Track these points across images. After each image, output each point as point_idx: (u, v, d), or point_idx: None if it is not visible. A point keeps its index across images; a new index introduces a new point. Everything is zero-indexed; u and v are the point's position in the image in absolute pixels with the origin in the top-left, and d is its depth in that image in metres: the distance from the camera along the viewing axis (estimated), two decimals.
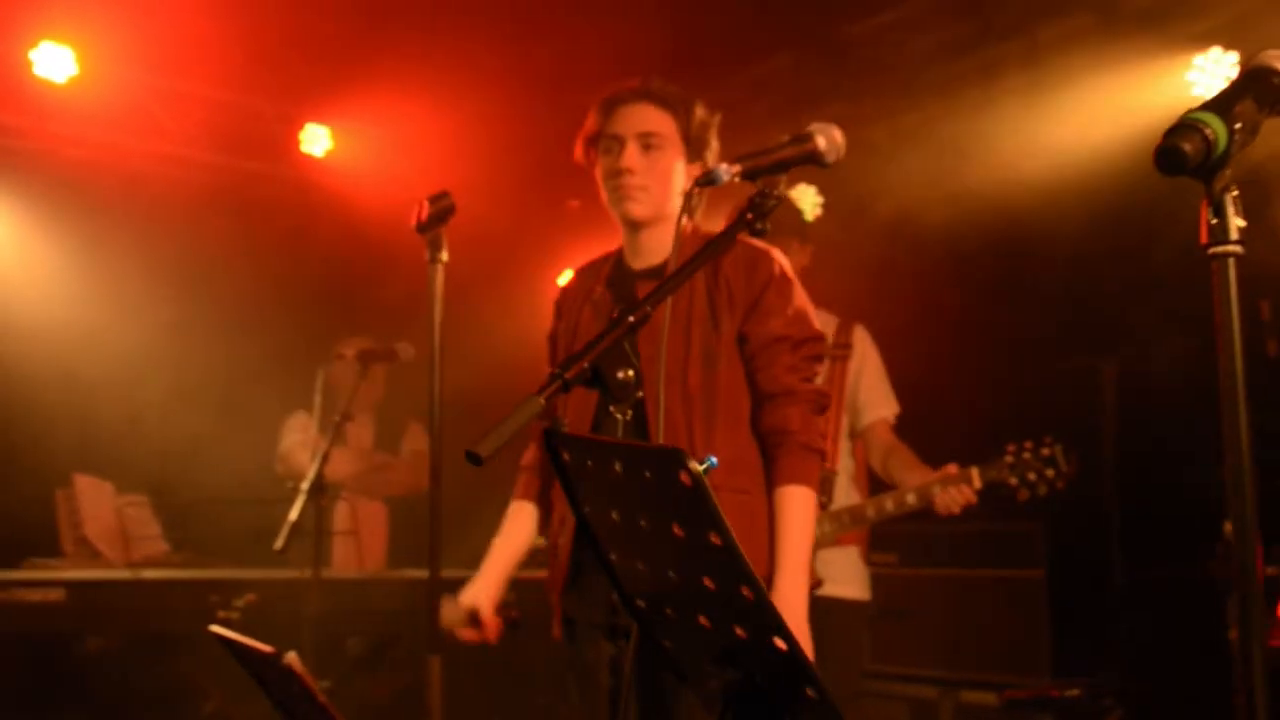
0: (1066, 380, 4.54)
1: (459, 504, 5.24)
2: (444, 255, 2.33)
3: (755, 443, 2.31)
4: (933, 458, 3.38)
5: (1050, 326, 4.60)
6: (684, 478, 1.12)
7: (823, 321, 2.50)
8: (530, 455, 2.69)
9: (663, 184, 2.41)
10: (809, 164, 1.82)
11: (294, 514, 3.36)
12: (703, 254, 1.65)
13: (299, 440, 4.61)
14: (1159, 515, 4.38)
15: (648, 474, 1.18)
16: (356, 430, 4.58)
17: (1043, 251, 4.59)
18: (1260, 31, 4.26)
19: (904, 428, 3.62)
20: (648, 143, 2.41)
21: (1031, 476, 3.09)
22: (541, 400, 1.41)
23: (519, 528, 2.59)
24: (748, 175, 1.74)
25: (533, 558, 2.62)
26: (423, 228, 2.31)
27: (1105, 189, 4.48)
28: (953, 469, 3.23)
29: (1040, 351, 4.58)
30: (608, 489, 1.29)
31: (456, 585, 2.54)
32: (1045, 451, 3.08)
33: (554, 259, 6.63)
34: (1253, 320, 4.72)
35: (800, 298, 2.38)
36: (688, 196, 1.90)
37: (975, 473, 3.16)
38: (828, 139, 1.81)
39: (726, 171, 1.72)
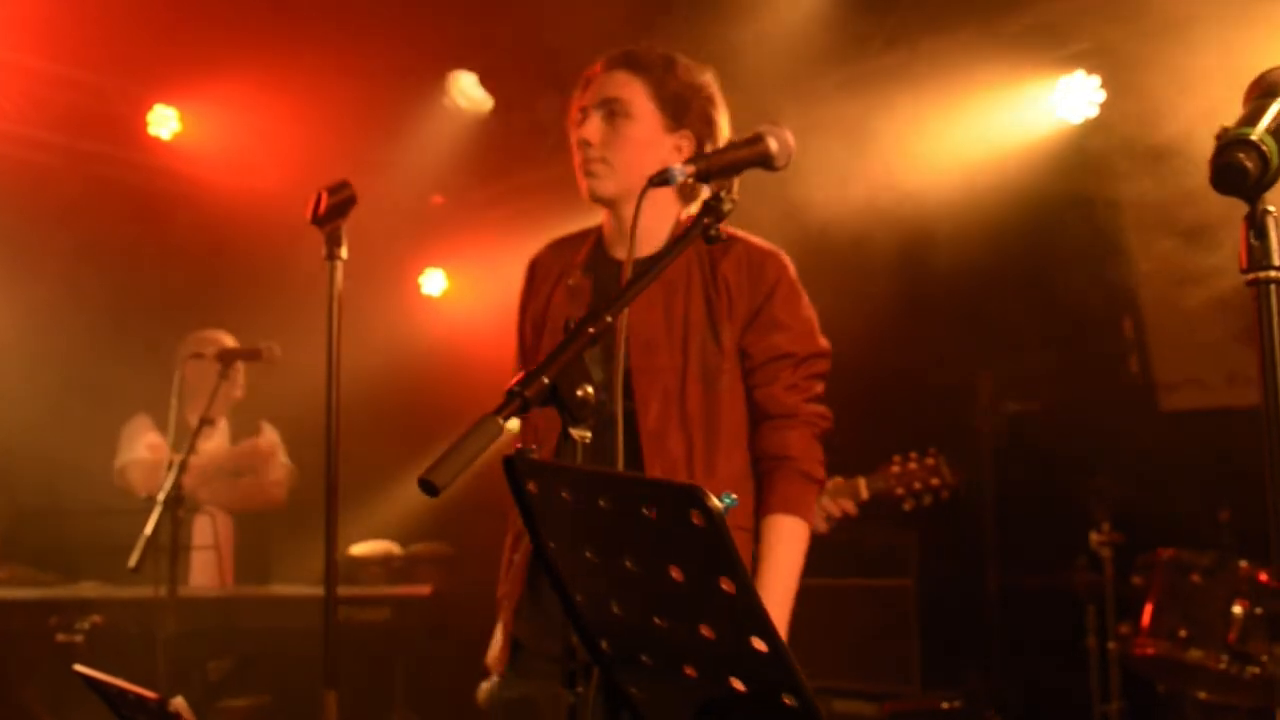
0: (944, 392, 4.59)
1: (304, 513, 4.99)
2: (343, 252, 2.12)
3: (752, 468, 2.13)
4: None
5: (927, 338, 4.64)
6: (697, 518, 0.98)
7: None
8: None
9: (628, 156, 2.14)
10: (759, 167, 1.71)
11: (149, 528, 3.07)
12: (658, 262, 1.51)
13: (139, 457, 4.23)
14: (1032, 526, 4.47)
15: (648, 511, 1.05)
16: (212, 436, 4.25)
17: (919, 263, 4.63)
18: (1118, 56, 4.40)
19: None
20: (611, 109, 2.15)
21: (917, 486, 3.08)
22: (500, 421, 1.26)
23: None
24: (700, 177, 1.63)
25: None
26: (320, 220, 2.10)
27: (978, 202, 4.56)
28: (837, 481, 3.20)
29: (919, 363, 4.62)
30: (585, 525, 1.15)
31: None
32: (930, 461, 3.08)
33: (416, 257, 6.39)
34: (1117, 337, 4.88)
35: (807, 308, 2.18)
36: (650, 181, 1.66)
37: (862, 483, 3.12)
38: (779, 142, 1.71)
39: (680, 172, 1.60)
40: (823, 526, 3.11)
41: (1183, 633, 3.68)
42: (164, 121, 5.24)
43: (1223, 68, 4.01)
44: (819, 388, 2.18)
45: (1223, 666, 3.61)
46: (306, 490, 4.68)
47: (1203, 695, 3.77)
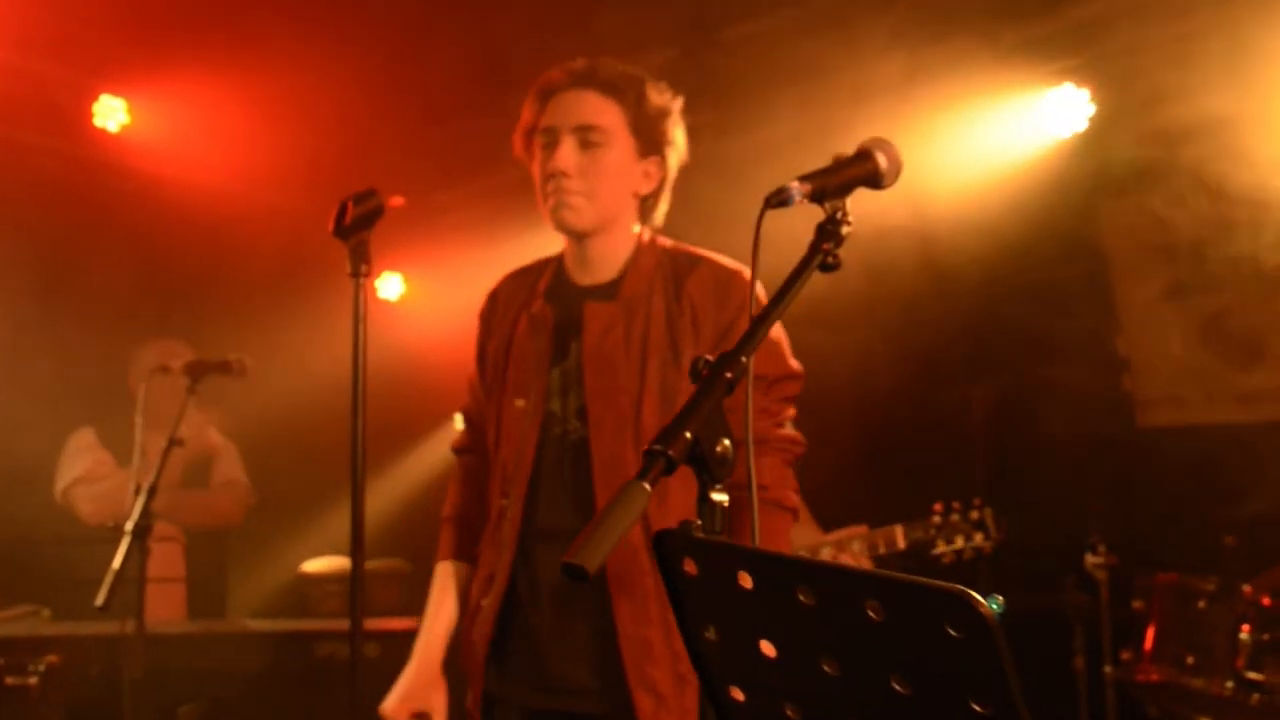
0: (939, 408, 4.48)
1: (256, 534, 4.72)
2: (366, 268, 1.91)
3: None
4: (812, 494, 3.19)
5: (923, 354, 4.53)
6: (955, 627, 0.81)
7: None
8: (452, 505, 2.28)
9: (607, 188, 2.08)
10: (866, 185, 1.54)
11: (117, 561, 2.79)
12: (779, 301, 1.33)
13: (85, 479, 3.91)
14: (1025, 545, 4.38)
15: (873, 613, 0.87)
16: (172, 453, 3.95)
17: (913, 279, 4.52)
18: (1111, 69, 4.34)
19: None
20: (587, 139, 2.06)
21: (959, 541, 2.94)
22: (647, 488, 1.07)
23: (450, 596, 2.19)
24: (815, 197, 1.45)
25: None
26: (344, 232, 1.89)
27: (970, 219, 4.46)
28: (862, 529, 3.05)
29: (914, 379, 4.50)
30: (769, 617, 0.97)
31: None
32: (974, 515, 2.94)
33: (374, 261, 6.13)
34: (1109, 354, 4.81)
35: (777, 328, 2.09)
36: (768, 202, 1.45)
37: (899, 532, 2.99)
38: (889, 158, 1.54)
39: (798, 191, 1.42)
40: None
41: (1190, 660, 3.62)
42: (111, 113, 4.92)
43: (1215, 87, 3.98)
44: (790, 411, 2.09)
45: (1228, 693, 3.56)
46: (258, 510, 4.43)
47: None
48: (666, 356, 2.02)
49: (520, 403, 2.09)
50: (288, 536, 5.24)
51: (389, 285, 6.16)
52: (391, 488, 5.87)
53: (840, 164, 1.50)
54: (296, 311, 4.93)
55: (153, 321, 4.51)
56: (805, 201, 1.44)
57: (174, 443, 3.08)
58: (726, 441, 1.16)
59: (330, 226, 1.89)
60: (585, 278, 2.15)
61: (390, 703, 2.10)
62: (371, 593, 5.46)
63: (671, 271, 2.09)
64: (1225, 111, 4.08)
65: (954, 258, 4.60)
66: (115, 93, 4.93)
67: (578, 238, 2.13)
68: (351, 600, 2.01)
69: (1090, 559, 4.06)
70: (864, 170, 1.52)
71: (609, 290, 2.11)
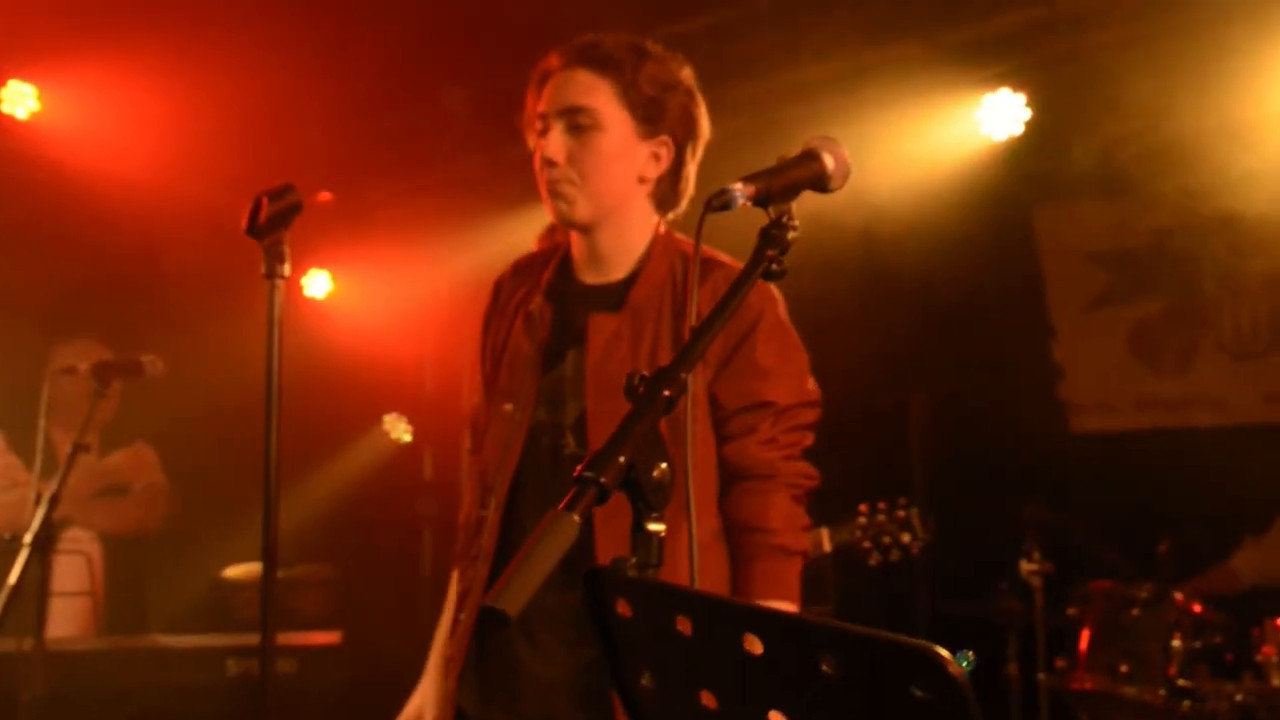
0: (874, 413, 4.45)
1: (176, 542, 4.55)
2: (286, 269, 1.78)
3: (723, 534, 1.84)
4: None
5: (858, 358, 4.49)
6: (921, 687, 0.72)
7: None
8: (463, 508, 2.07)
9: (601, 174, 1.87)
10: (814, 189, 1.46)
11: (14, 575, 2.62)
12: (720, 312, 1.24)
13: None
14: (961, 550, 4.37)
15: (829, 667, 0.78)
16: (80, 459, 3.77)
17: (849, 281, 4.48)
18: (1047, 74, 4.34)
19: None
20: (575, 122, 1.86)
21: (886, 540, 2.88)
22: (577, 520, 0.97)
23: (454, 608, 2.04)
24: (760, 200, 1.36)
25: None
26: (258, 231, 1.76)
27: (907, 221, 4.44)
28: None
29: (848, 383, 4.45)
30: (709, 666, 0.88)
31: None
32: (901, 515, 2.88)
33: (299, 257, 5.95)
34: (1044, 360, 4.82)
35: (796, 348, 1.92)
36: (708, 205, 1.35)
37: (825, 535, 2.92)
38: (835, 159, 1.46)
39: (741, 193, 1.33)
40: None
41: (1123, 667, 3.62)
42: (20, 99, 4.71)
43: (1147, 94, 4.00)
44: (807, 441, 1.90)
45: (1160, 701, 3.56)
46: (178, 515, 4.26)
47: None
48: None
49: (509, 407, 1.94)
50: (211, 542, 5.07)
51: (316, 283, 5.99)
52: (318, 490, 5.71)
53: (785, 165, 1.41)
54: (218, 309, 4.75)
55: (69, 320, 4.31)
56: (749, 205, 1.35)
57: (78, 448, 2.92)
58: (664, 466, 1.07)
59: (244, 225, 1.76)
60: (592, 275, 1.96)
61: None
62: (294, 600, 5.32)
63: (683, 277, 1.90)
64: (1159, 118, 4.10)
65: (890, 260, 4.58)
66: (24, 78, 4.72)
67: (581, 230, 1.94)
68: (263, 619, 1.87)
69: (1025, 565, 4.05)
70: (810, 172, 1.43)
71: (616, 293, 1.92)
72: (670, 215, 1.99)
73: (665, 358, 1.83)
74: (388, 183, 5.73)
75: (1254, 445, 4.07)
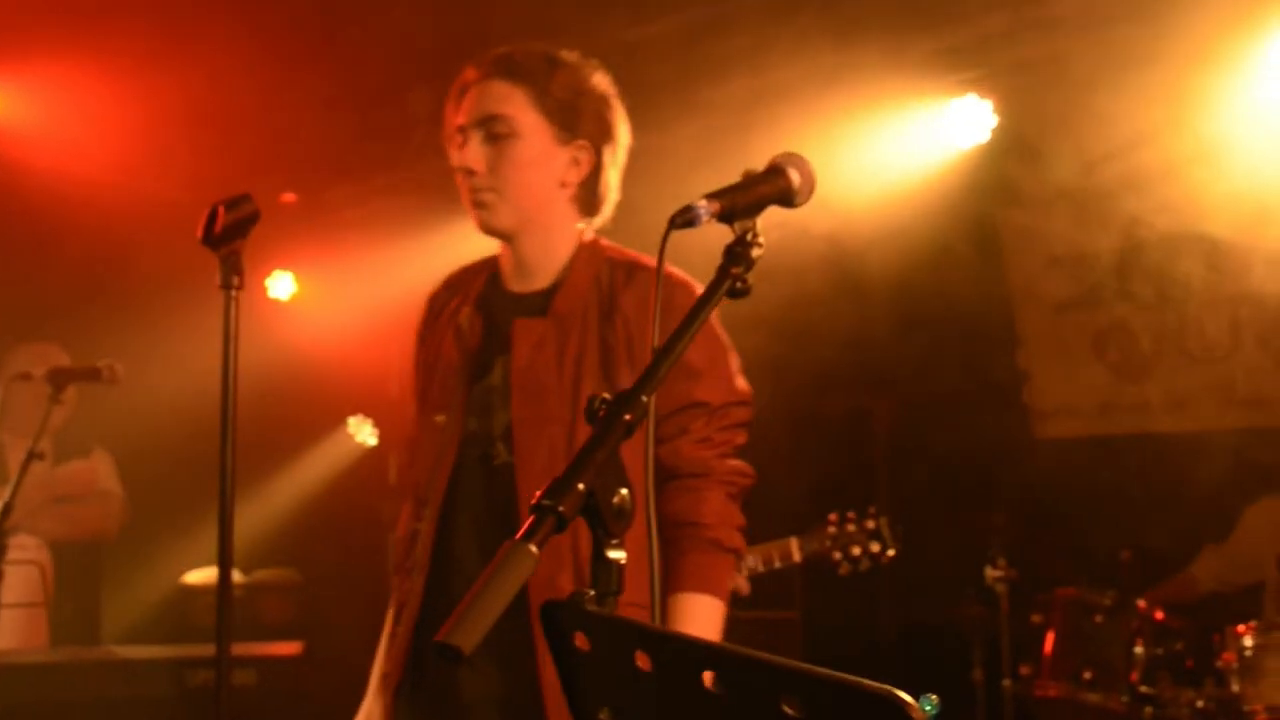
0: (839, 419, 4.44)
1: (132, 549, 4.47)
2: (238, 280, 1.75)
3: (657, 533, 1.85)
4: None
5: (823, 364, 4.49)
6: None
7: None
8: (406, 521, 2.06)
9: (520, 181, 1.90)
10: (777, 204, 1.44)
11: None
12: (685, 330, 1.22)
13: None
14: (927, 557, 4.37)
15: (790, 709, 0.76)
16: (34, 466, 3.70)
17: (816, 290, 4.47)
18: (1015, 81, 4.35)
19: None
20: (493, 130, 1.89)
21: (855, 551, 2.87)
22: (534, 550, 0.95)
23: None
24: (724, 216, 1.34)
25: None
26: (214, 241, 1.73)
27: (873, 226, 4.44)
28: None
29: (813, 389, 4.46)
30: (669, 703, 0.86)
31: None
32: (870, 524, 2.87)
33: (263, 258, 5.88)
34: (1009, 366, 4.83)
35: (725, 348, 1.94)
36: (672, 222, 1.33)
37: (795, 544, 2.90)
38: (801, 174, 1.44)
39: (706, 210, 1.31)
40: (745, 588, 2.89)
41: (1087, 674, 3.64)
42: None
43: (1117, 101, 4.02)
44: (739, 439, 1.93)
45: (1123, 708, 3.58)
46: (137, 522, 4.20)
47: None
48: (600, 384, 1.86)
49: (440, 419, 1.95)
50: (171, 549, 5.00)
51: (280, 284, 5.93)
52: (281, 493, 5.65)
53: (751, 180, 1.39)
54: (178, 313, 4.69)
55: (27, 323, 4.24)
56: (713, 221, 1.33)
57: (33, 455, 2.86)
58: (624, 492, 1.05)
59: (199, 234, 1.72)
60: (519, 284, 1.98)
61: None
62: (259, 606, 5.25)
63: (609, 283, 1.93)
64: (1125, 126, 4.12)
65: (856, 265, 4.57)
66: None
67: (505, 239, 1.97)
68: (219, 631, 1.84)
69: (990, 572, 4.06)
70: (776, 188, 1.41)
71: (541, 301, 1.95)
72: (597, 221, 2.02)
73: (591, 364, 1.87)
74: (352, 184, 5.68)
75: (1216, 451, 4.11)
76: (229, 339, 1.72)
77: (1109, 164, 4.41)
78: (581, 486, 1.01)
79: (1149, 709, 3.55)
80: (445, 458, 1.90)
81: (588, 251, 1.97)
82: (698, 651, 0.82)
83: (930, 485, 4.41)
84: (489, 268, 2.04)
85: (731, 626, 4.69)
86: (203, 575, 4.94)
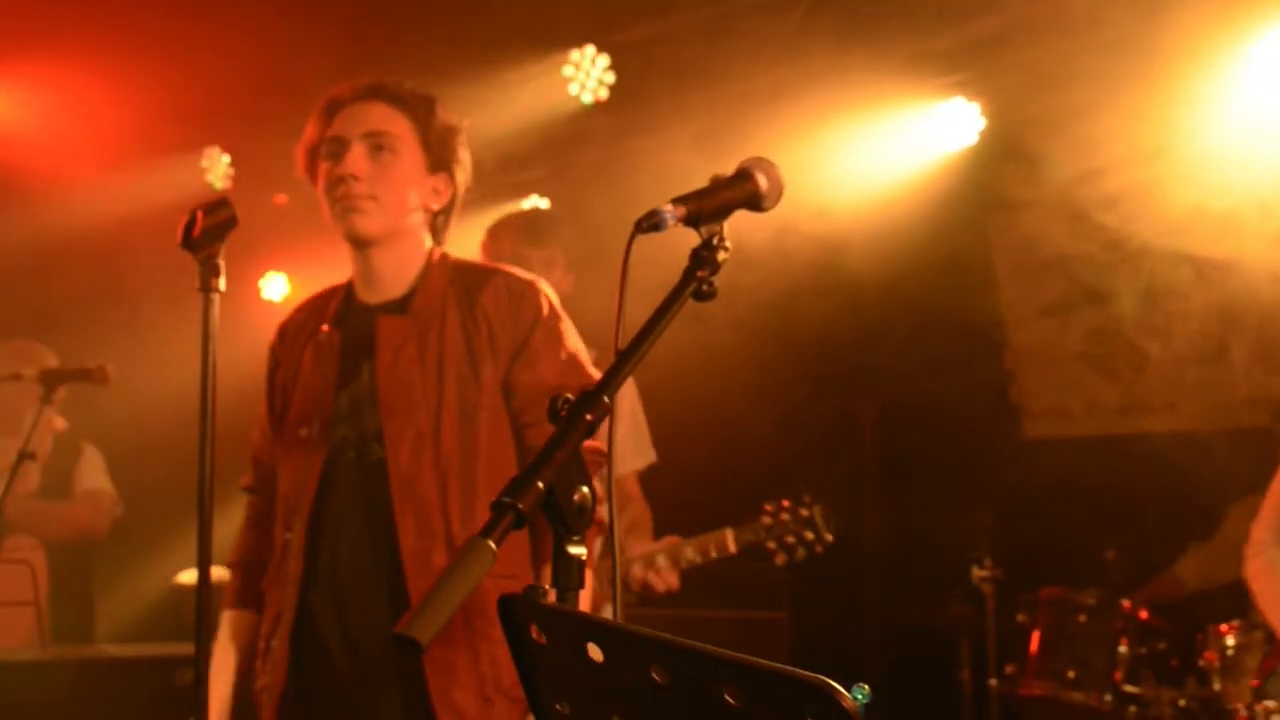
0: (827, 418, 4.46)
1: (126, 547, 4.49)
2: (221, 283, 1.78)
3: None
4: (695, 506, 3.11)
5: (811, 363, 4.51)
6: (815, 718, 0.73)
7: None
8: (236, 549, 2.18)
9: (396, 194, 2.04)
10: (746, 208, 1.46)
11: None
12: (648, 333, 1.24)
13: None
14: (914, 557, 4.40)
15: (730, 696, 0.79)
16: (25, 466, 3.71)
17: (805, 291, 4.49)
18: (1002, 84, 4.37)
19: (669, 474, 3.33)
20: (378, 143, 2.04)
21: (790, 540, 2.86)
22: (492, 546, 0.97)
23: (230, 651, 2.10)
24: (690, 220, 1.37)
25: None
26: (192, 245, 1.75)
27: (861, 228, 4.46)
28: (675, 540, 2.98)
29: (801, 388, 4.47)
30: (620, 695, 0.88)
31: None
32: (804, 513, 2.85)
33: (256, 259, 5.91)
34: (996, 367, 4.86)
35: (572, 338, 2.09)
36: (638, 226, 1.35)
37: (730, 536, 2.91)
38: (769, 179, 1.46)
39: (672, 215, 1.34)
40: (675, 583, 2.92)
41: (1071, 674, 3.66)
42: None
43: (1098, 108, 4.04)
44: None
45: (1107, 707, 3.61)
46: (130, 521, 4.21)
47: None
48: (464, 372, 2.00)
49: (304, 432, 2.06)
50: (162, 549, 5.02)
51: (273, 285, 5.94)
52: None
53: (718, 185, 1.42)
54: (169, 312, 4.71)
55: (10, 321, 4.25)
56: (679, 226, 1.35)
57: (24, 456, 2.87)
58: (585, 490, 1.07)
59: (179, 238, 1.75)
60: (374, 296, 2.10)
61: None
62: None
63: (464, 286, 2.07)
64: (1113, 128, 4.14)
65: (845, 267, 4.59)
66: None
67: (364, 246, 2.07)
68: (197, 631, 1.86)
69: (977, 572, 4.08)
70: (743, 192, 1.44)
71: (400, 306, 2.07)
72: (442, 241, 2.17)
73: (454, 352, 2.00)
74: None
75: (1202, 451, 4.13)
76: (207, 340, 1.75)
77: (1096, 166, 4.43)
78: (541, 484, 1.03)
79: (1133, 708, 3.57)
80: (311, 468, 1.99)
81: (439, 264, 2.11)
82: (643, 644, 0.84)
83: (917, 484, 4.43)
84: (339, 292, 2.18)
85: (719, 627, 4.72)
86: (196, 575, 4.94)
